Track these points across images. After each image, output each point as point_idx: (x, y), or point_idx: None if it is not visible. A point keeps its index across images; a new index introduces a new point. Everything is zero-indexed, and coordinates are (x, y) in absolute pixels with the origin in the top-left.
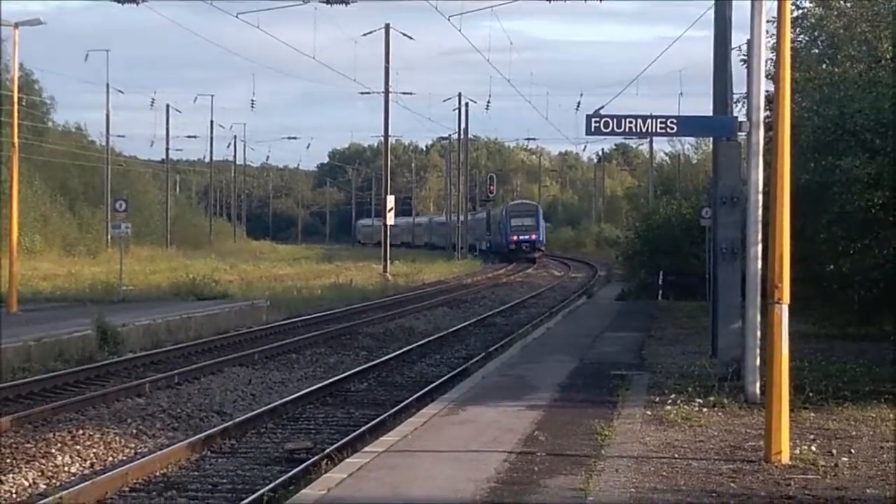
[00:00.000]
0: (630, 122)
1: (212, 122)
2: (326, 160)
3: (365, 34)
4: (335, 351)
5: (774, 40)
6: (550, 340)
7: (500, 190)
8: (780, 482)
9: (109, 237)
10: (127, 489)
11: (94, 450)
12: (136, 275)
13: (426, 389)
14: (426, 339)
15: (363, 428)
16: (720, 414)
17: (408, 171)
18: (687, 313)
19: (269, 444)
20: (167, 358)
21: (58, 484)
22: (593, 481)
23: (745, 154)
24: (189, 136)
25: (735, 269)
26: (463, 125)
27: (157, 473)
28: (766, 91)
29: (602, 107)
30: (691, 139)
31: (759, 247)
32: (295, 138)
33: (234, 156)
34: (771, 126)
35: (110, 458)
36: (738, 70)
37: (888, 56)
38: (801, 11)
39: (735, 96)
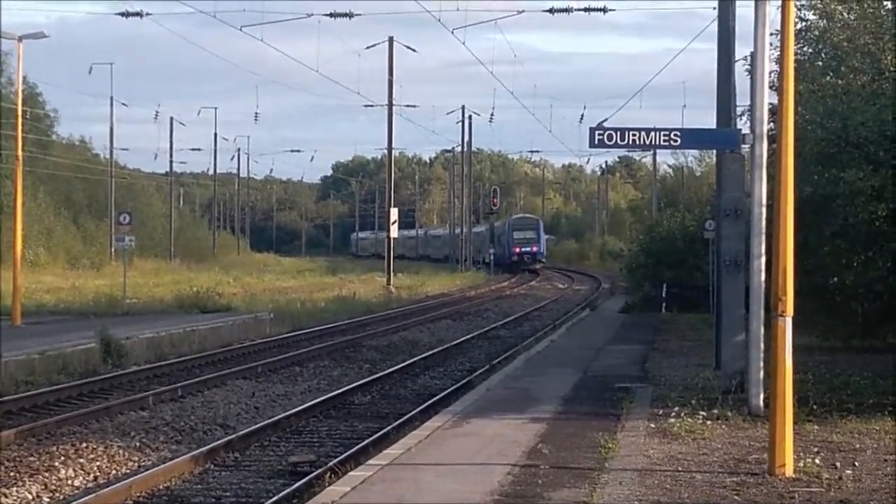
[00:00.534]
0: (634, 135)
1: (216, 134)
2: (330, 173)
3: (368, 47)
4: (339, 364)
5: (778, 52)
6: (554, 353)
7: (503, 203)
8: (783, 495)
9: (113, 250)
10: (131, 502)
11: (98, 463)
12: (140, 288)
13: (430, 402)
14: (430, 352)
15: (367, 441)
16: (724, 427)
17: (411, 184)
18: (690, 326)
19: (272, 458)
20: (171, 371)
21: (61, 497)
22: (597, 494)
23: (749, 166)
24: (193, 149)
25: (739, 282)
26: (466, 138)
27: (161, 487)
28: (770, 103)
29: (606, 119)
30: (695, 151)
31: (763, 259)
32: (299, 151)
33: (238, 168)
34: (774, 138)
35: (114, 472)
36: (741, 82)
37: (892, 68)
38: (804, 24)
39: (739, 108)
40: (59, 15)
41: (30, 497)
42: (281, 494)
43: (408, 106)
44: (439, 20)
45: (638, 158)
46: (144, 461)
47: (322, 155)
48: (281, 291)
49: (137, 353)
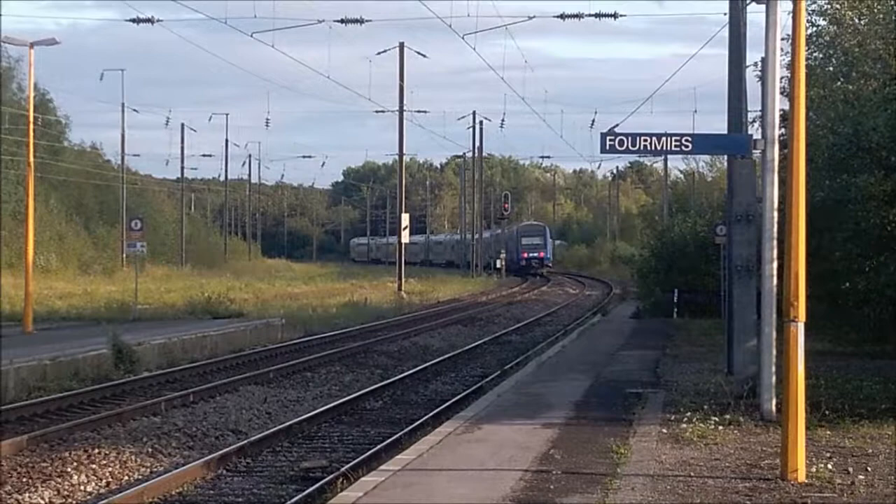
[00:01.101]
0: (645, 141)
1: (227, 140)
2: (341, 178)
3: (379, 53)
4: (350, 369)
5: (789, 58)
6: (565, 358)
7: (514, 208)
8: (796, 500)
9: (125, 256)
10: None
11: (110, 469)
12: (152, 293)
13: (442, 407)
14: (441, 358)
15: (379, 446)
16: (736, 432)
17: (422, 189)
18: (702, 331)
19: (284, 463)
20: (182, 377)
21: (73, 503)
22: (609, 499)
23: (760, 171)
24: (204, 155)
25: (750, 287)
26: (477, 143)
27: (173, 492)
28: (781, 109)
29: (617, 125)
30: (706, 157)
31: (775, 264)
32: (310, 157)
33: (249, 174)
34: (786, 143)
35: (126, 477)
36: (752, 87)
37: None
38: (815, 29)
39: (750, 114)
40: (69, 21)
41: (42, 502)
42: (293, 500)
43: (418, 111)
44: (450, 26)
45: (649, 164)
46: (156, 467)
47: (333, 161)
48: (292, 297)
49: (149, 359)
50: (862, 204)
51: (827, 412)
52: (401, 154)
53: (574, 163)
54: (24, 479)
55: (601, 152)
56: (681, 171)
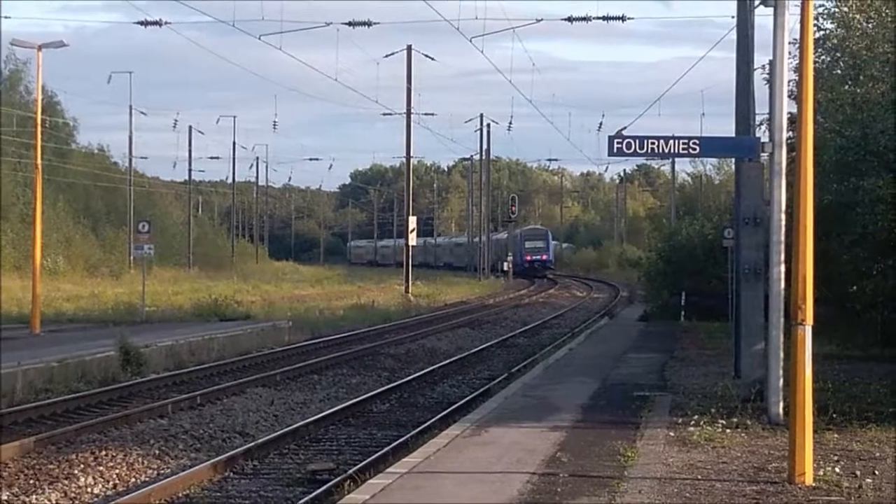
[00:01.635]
0: (652, 143)
1: (234, 143)
2: (348, 181)
3: (387, 55)
4: (357, 372)
5: (797, 61)
6: (572, 361)
7: (521, 211)
8: None
9: (132, 258)
10: None
11: (117, 471)
12: (159, 296)
13: (448, 410)
14: (448, 360)
15: (386, 449)
16: (743, 435)
17: (430, 192)
18: (709, 334)
19: (291, 465)
20: (190, 379)
21: None
22: (616, 502)
23: (768, 174)
24: (212, 158)
25: (758, 290)
26: (485, 146)
27: (180, 494)
28: (789, 112)
29: (624, 127)
30: (713, 160)
31: (782, 267)
32: (317, 159)
33: (257, 177)
34: (793, 146)
35: (133, 479)
36: (760, 90)
37: None
38: (823, 32)
39: (758, 117)
40: (77, 24)
41: None
42: (300, 502)
43: (426, 114)
44: (457, 28)
45: (656, 166)
46: (164, 469)
47: (340, 163)
48: (299, 299)
49: (156, 361)
50: (870, 207)
51: (834, 415)
52: (408, 157)
53: (581, 165)
54: (32, 481)
55: (609, 155)
56: (688, 174)
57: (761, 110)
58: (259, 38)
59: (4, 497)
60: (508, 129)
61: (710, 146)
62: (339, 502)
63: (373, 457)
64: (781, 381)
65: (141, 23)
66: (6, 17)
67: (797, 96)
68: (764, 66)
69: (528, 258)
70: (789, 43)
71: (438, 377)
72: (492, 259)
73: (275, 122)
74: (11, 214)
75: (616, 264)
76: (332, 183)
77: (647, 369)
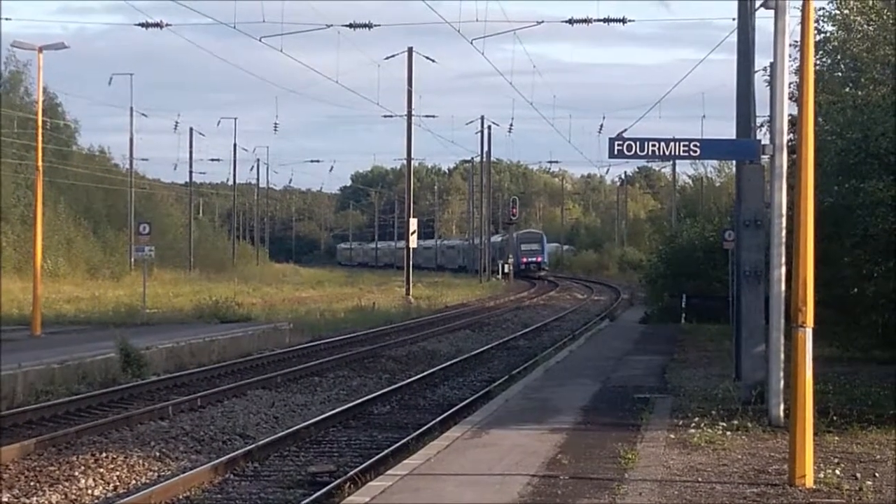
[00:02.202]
0: (653, 146)
1: (235, 145)
2: (349, 183)
3: (388, 57)
4: (358, 374)
5: (798, 63)
6: (573, 363)
7: (522, 213)
8: None
9: (133, 260)
10: None
11: (118, 473)
12: (160, 298)
13: (449, 412)
14: (449, 362)
15: (386, 451)
16: (744, 437)
17: (430, 194)
18: (710, 336)
19: (292, 468)
20: (190, 381)
21: None
22: None
23: (769, 177)
24: (212, 160)
25: (759, 293)
26: (486, 148)
27: (181, 496)
28: (790, 114)
29: (625, 130)
30: (714, 162)
31: (783, 270)
32: (318, 161)
33: (258, 179)
34: (794, 149)
35: (133, 481)
36: (761, 93)
37: None
38: (823, 35)
39: (758, 119)
40: (77, 26)
41: None
42: None
43: (427, 116)
44: (458, 31)
45: (657, 169)
46: (164, 471)
47: (341, 165)
48: (300, 302)
49: (157, 364)
50: (870, 209)
51: (835, 418)
52: (409, 159)
53: (582, 168)
54: (32, 483)
55: (609, 157)
56: (689, 177)
57: (762, 113)
58: (260, 40)
59: (5, 499)
60: (509, 132)
61: (711, 149)
62: None
63: (373, 459)
64: (782, 383)
65: (142, 24)
66: (6, 19)
67: (798, 99)
68: (765, 68)
69: (524, 260)
70: (790, 45)
71: (439, 379)
72: (491, 261)
73: (276, 123)
74: (12, 216)
75: (617, 266)
76: (332, 185)
77: (648, 371)
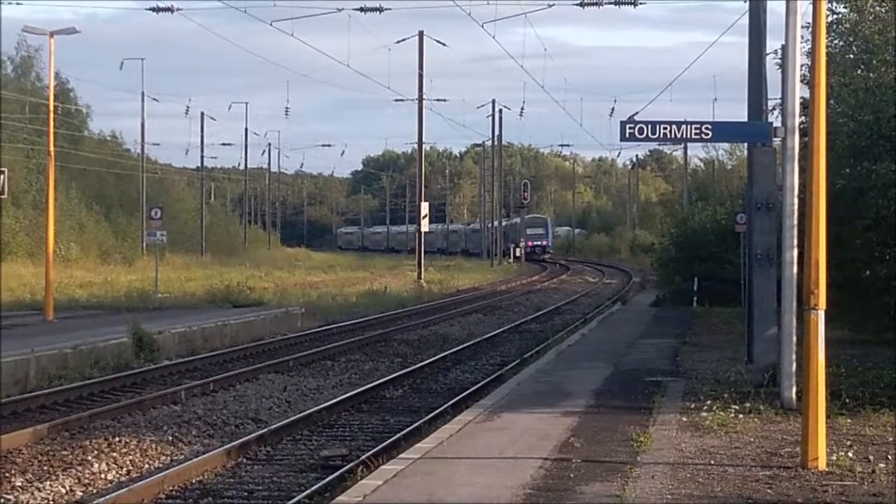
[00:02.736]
0: (665, 129)
1: (246, 129)
2: (360, 167)
3: (399, 41)
4: (370, 358)
5: (809, 45)
6: (585, 347)
7: (534, 196)
8: (816, 489)
9: (145, 245)
10: (163, 496)
11: (131, 457)
12: (172, 282)
13: (461, 396)
14: (461, 346)
15: (398, 435)
16: (756, 420)
17: (442, 178)
18: (722, 319)
19: (304, 451)
20: (203, 365)
21: (94, 491)
22: (629, 488)
23: (781, 159)
24: (224, 144)
25: (770, 275)
26: (497, 132)
27: (194, 480)
28: (802, 97)
29: (636, 113)
30: (726, 145)
31: (795, 252)
32: (329, 145)
33: (269, 163)
34: (806, 131)
35: (146, 466)
36: (772, 75)
37: None
38: (835, 17)
39: (770, 102)
40: (87, 11)
41: (63, 491)
42: (313, 488)
43: (438, 100)
44: (469, 14)
45: (669, 152)
46: (177, 455)
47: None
48: (312, 286)
49: (169, 348)
50: (882, 192)
51: (847, 400)
52: (420, 143)
53: (594, 151)
54: (45, 468)
55: (621, 140)
56: (700, 160)
57: (774, 95)
58: (271, 25)
59: (18, 483)
60: (520, 115)
61: (723, 131)
62: (351, 488)
63: (385, 442)
64: (794, 365)
65: (153, 9)
66: (17, 4)
67: (810, 81)
68: (776, 50)
69: (530, 244)
70: (802, 27)
71: (451, 363)
72: (502, 245)
73: (287, 108)
74: (24, 201)
75: (628, 250)
76: (344, 169)
77: (660, 355)
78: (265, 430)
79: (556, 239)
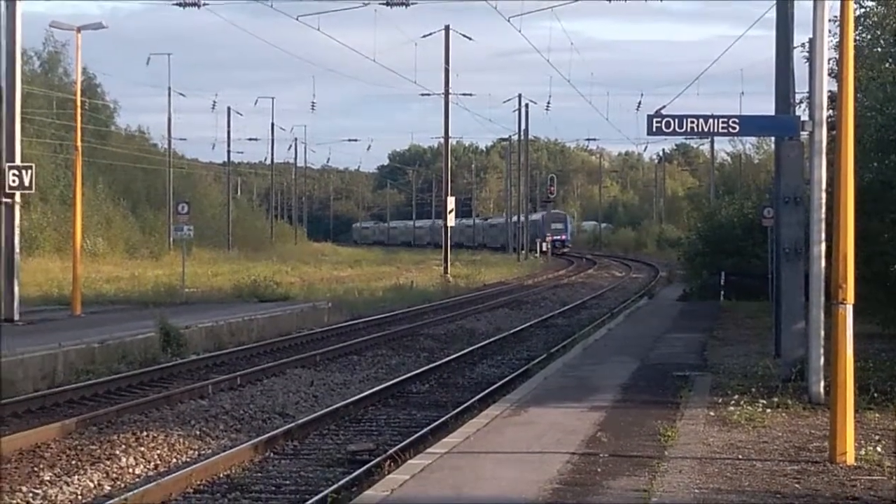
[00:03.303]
0: (692, 122)
1: (272, 124)
2: (386, 162)
3: (425, 36)
4: (397, 352)
5: (837, 39)
6: (612, 341)
7: (560, 191)
8: (845, 483)
9: (172, 240)
10: (191, 490)
11: (158, 451)
12: (199, 277)
13: (488, 391)
14: (487, 341)
15: (425, 429)
16: (784, 415)
17: (468, 173)
18: (749, 314)
19: (331, 446)
20: (229, 360)
21: (122, 485)
22: (657, 482)
23: (808, 153)
24: (250, 139)
25: (798, 269)
26: (523, 126)
27: (221, 475)
28: (829, 90)
29: (663, 107)
30: (753, 138)
31: (823, 246)
32: (355, 140)
33: (295, 158)
34: (834, 125)
35: (174, 460)
36: (800, 69)
37: None
38: (863, 10)
39: (798, 95)
40: (112, 5)
41: (91, 485)
42: (340, 483)
43: (464, 94)
44: (496, 8)
45: (695, 146)
46: (204, 449)
47: (378, 144)
48: (338, 280)
49: (196, 342)
50: None
51: (875, 395)
52: (446, 137)
53: (620, 145)
54: (74, 462)
55: (648, 134)
56: (727, 153)
57: (801, 89)
58: (297, 19)
59: (47, 477)
60: (547, 109)
61: (750, 125)
62: (379, 483)
63: (412, 437)
64: (822, 360)
65: (179, 4)
66: None
67: (837, 74)
68: (804, 44)
69: (550, 238)
70: (829, 20)
71: (478, 357)
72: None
73: (313, 102)
74: (52, 196)
75: (655, 244)
76: (370, 164)
77: (687, 349)
78: (292, 424)
79: (583, 234)
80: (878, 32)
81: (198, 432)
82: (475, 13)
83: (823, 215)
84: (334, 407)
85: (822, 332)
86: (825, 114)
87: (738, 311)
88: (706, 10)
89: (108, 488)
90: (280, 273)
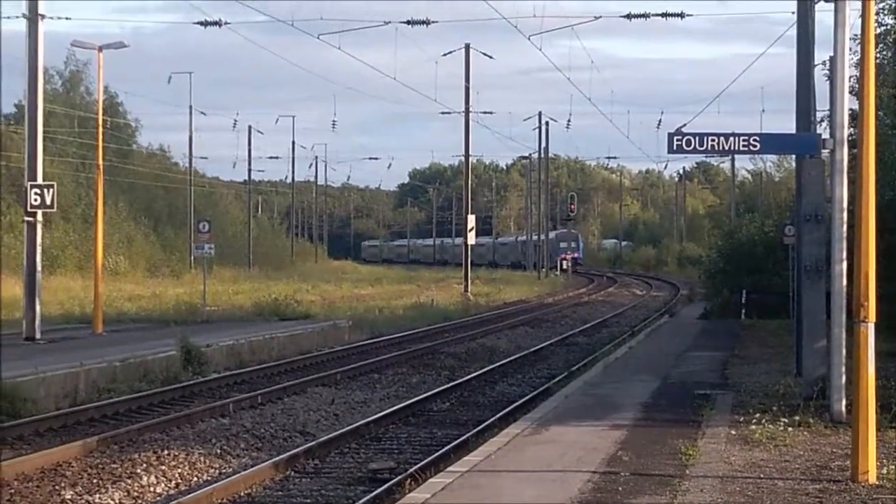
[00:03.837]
0: (712, 140)
1: (293, 142)
2: (407, 180)
3: (445, 54)
4: (417, 371)
5: (858, 57)
6: (633, 360)
7: (580, 209)
8: (867, 502)
9: (193, 258)
10: None
11: (179, 470)
12: (220, 295)
13: (509, 409)
14: (508, 359)
15: (446, 448)
16: (805, 433)
17: (488, 191)
18: (770, 332)
19: (352, 464)
20: (251, 378)
21: None
22: (678, 501)
23: (829, 171)
24: (271, 157)
25: (819, 288)
26: (543, 144)
27: (242, 493)
28: (850, 108)
29: (684, 125)
30: (773, 157)
31: (844, 264)
32: (376, 158)
33: (316, 176)
34: (855, 143)
35: (195, 479)
36: (821, 87)
37: None
38: (884, 28)
39: (818, 113)
40: (133, 25)
41: (112, 503)
42: (361, 501)
43: (484, 112)
44: (516, 27)
45: (716, 164)
46: (225, 468)
47: (399, 162)
48: (359, 299)
49: (217, 361)
50: None
51: None
52: (467, 155)
53: (641, 163)
54: (95, 481)
55: (668, 152)
56: (748, 172)
57: (822, 107)
58: (318, 38)
59: (68, 496)
60: (567, 127)
61: (771, 143)
62: (399, 501)
63: (433, 455)
64: (844, 378)
65: (201, 23)
66: (66, 18)
67: (858, 92)
68: (824, 62)
69: (562, 256)
70: (850, 39)
71: (498, 376)
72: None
73: (334, 121)
74: (73, 215)
75: (676, 262)
76: (390, 182)
77: (709, 367)
78: (313, 443)
79: (603, 251)
80: None
81: (219, 451)
82: (496, 31)
83: (844, 233)
84: (355, 425)
85: (844, 351)
86: (846, 132)
87: (760, 329)
88: (725, 29)
89: None
90: (300, 291)
